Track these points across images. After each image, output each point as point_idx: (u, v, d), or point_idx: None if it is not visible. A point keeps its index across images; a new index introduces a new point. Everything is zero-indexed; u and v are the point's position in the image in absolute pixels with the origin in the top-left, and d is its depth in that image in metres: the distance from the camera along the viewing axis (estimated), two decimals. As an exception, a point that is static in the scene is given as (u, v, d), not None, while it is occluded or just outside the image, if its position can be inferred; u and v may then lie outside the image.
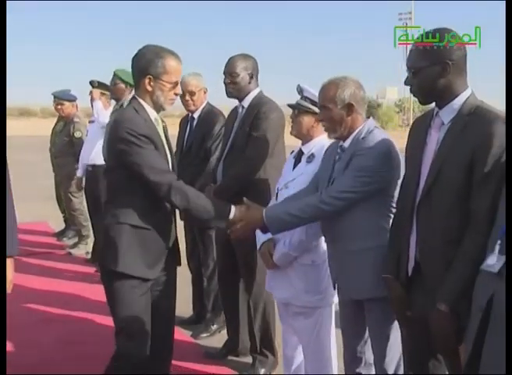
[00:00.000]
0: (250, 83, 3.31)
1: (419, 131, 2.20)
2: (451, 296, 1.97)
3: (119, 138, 2.38)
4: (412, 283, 2.20)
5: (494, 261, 1.77)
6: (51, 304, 4.43)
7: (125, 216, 2.42)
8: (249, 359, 3.46)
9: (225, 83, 3.32)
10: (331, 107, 2.43)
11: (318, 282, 2.72)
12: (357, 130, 2.46)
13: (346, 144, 2.48)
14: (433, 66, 2.04)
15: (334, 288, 2.64)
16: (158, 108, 2.50)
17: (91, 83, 5.39)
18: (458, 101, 2.05)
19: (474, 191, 1.96)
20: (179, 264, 2.71)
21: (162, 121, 2.59)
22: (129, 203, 2.43)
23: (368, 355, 2.60)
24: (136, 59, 2.47)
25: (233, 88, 3.31)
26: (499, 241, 1.76)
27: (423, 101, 2.17)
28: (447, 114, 2.07)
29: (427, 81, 2.06)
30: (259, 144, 3.20)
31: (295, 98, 2.86)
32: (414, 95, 2.16)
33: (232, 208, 2.48)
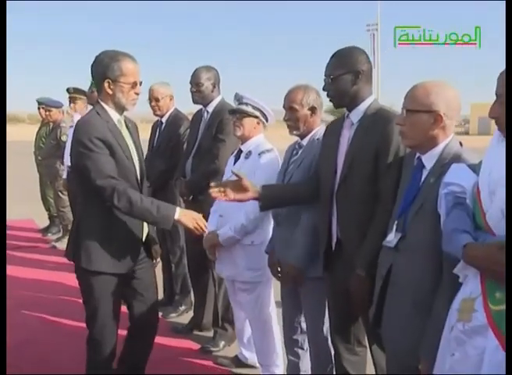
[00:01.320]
0: (213, 91, 3.80)
1: (333, 132, 2.63)
2: (366, 262, 2.34)
3: (77, 141, 2.48)
4: (336, 260, 2.58)
5: (392, 238, 2.17)
6: (36, 290, 4.89)
7: (94, 214, 2.52)
8: (211, 334, 3.89)
9: (191, 91, 3.82)
10: (298, 108, 2.80)
11: (258, 260, 3.11)
12: (314, 131, 2.86)
13: (304, 142, 2.89)
14: (348, 73, 2.46)
15: (270, 266, 3.01)
16: (121, 109, 2.59)
17: (68, 90, 5.83)
18: (364, 105, 2.49)
19: (381, 177, 2.37)
20: (156, 256, 2.84)
21: (130, 122, 2.72)
22: (97, 201, 2.49)
23: (304, 324, 3.00)
24: (95, 65, 2.56)
25: (198, 96, 3.80)
26: (396, 222, 2.16)
27: (337, 105, 2.56)
28: (356, 116, 2.50)
29: (342, 87, 2.47)
30: (224, 144, 3.67)
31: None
32: (330, 99, 2.56)
33: (177, 210, 2.54)
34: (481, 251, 1.70)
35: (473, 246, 1.73)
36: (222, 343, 3.79)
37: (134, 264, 2.62)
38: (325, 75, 2.52)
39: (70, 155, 2.63)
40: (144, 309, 2.74)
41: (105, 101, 2.56)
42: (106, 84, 2.52)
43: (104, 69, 2.51)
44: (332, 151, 2.57)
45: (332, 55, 2.53)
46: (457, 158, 2.05)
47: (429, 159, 2.12)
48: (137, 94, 2.61)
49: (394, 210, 2.23)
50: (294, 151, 2.94)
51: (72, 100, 5.78)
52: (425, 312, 1.98)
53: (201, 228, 2.57)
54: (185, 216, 2.55)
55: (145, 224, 2.68)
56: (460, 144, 2.16)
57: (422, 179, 2.12)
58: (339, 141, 2.56)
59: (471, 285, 1.79)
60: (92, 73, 2.59)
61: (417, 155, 2.17)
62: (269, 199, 2.68)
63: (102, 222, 2.52)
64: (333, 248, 2.59)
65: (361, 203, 2.43)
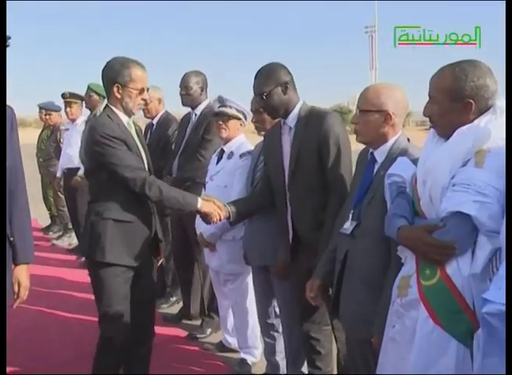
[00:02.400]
0: (201, 95, 4.05)
1: (272, 138, 2.91)
2: (325, 248, 2.56)
3: (95, 142, 2.58)
4: (297, 248, 2.81)
5: (348, 225, 2.38)
6: (36, 284, 5.12)
7: (108, 212, 2.62)
8: (199, 322, 4.14)
9: (180, 94, 4.07)
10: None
11: (239, 254, 3.32)
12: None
13: None
14: (277, 87, 2.71)
15: (245, 258, 3.26)
16: (129, 113, 2.70)
17: (63, 95, 6.07)
18: (296, 110, 2.75)
19: (328, 168, 2.63)
20: (159, 255, 2.93)
21: (135, 124, 2.84)
22: (110, 200, 2.62)
23: (277, 309, 3.23)
24: (106, 70, 2.68)
25: (187, 99, 4.06)
26: (352, 211, 2.38)
27: (274, 116, 2.85)
28: (291, 121, 2.76)
29: (276, 100, 2.72)
30: (211, 144, 3.92)
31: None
32: (267, 113, 2.84)
33: (199, 199, 2.77)
34: (410, 233, 1.93)
35: (405, 229, 1.96)
36: (209, 330, 4.04)
37: (144, 259, 2.73)
38: (257, 94, 2.76)
39: (86, 157, 2.74)
40: (143, 308, 2.80)
41: (114, 104, 2.68)
42: (115, 89, 2.63)
43: (114, 74, 2.63)
44: (276, 154, 2.84)
45: (256, 76, 2.77)
46: (405, 153, 2.28)
47: (380, 154, 2.35)
48: (144, 99, 2.74)
49: (349, 201, 2.45)
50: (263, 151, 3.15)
51: (67, 104, 6.03)
52: (377, 291, 2.18)
53: (220, 215, 2.78)
54: (206, 204, 2.76)
55: (153, 222, 2.79)
56: (408, 140, 2.39)
57: (374, 172, 2.35)
58: (282, 145, 2.82)
59: (408, 264, 2.02)
60: (102, 78, 2.70)
61: (370, 150, 2.41)
62: (238, 214, 2.91)
63: (118, 218, 2.62)
64: (293, 237, 2.83)
65: (311, 193, 2.69)
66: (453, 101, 1.90)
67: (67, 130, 6.36)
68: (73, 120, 6.17)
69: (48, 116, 7.03)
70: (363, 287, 2.28)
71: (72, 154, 5.91)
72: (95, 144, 2.58)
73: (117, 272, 2.63)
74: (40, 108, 7.06)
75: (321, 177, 2.66)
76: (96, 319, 2.78)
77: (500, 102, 1.90)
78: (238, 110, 3.43)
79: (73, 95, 6.04)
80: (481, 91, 1.88)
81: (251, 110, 3.14)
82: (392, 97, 2.32)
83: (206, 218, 2.80)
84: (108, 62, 2.68)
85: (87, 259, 2.76)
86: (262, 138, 3.18)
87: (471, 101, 1.88)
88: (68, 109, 6.03)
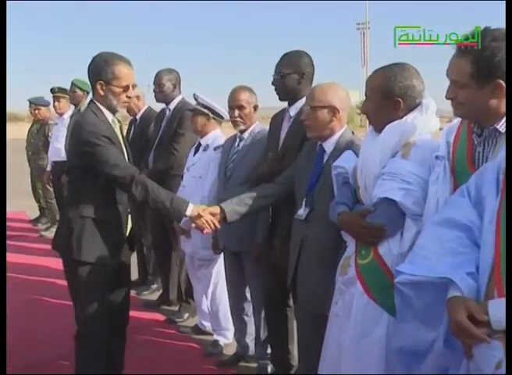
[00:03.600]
0: (173, 91, 4.25)
1: (276, 123, 3.09)
2: (283, 234, 2.77)
3: (83, 141, 2.51)
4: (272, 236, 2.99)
5: (302, 212, 2.58)
6: (23, 273, 5.36)
7: (87, 210, 2.57)
8: (177, 308, 4.35)
9: (154, 91, 4.28)
10: (246, 106, 3.22)
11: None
12: (253, 126, 3.28)
13: (245, 135, 3.30)
14: (294, 73, 2.89)
15: (214, 246, 3.46)
16: (113, 110, 2.65)
17: (52, 90, 6.29)
18: (301, 102, 2.89)
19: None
20: (134, 250, 2.97)
21: (119, 122, 2.78)
22: (90, 199, 2.58)
23: (248, 294, 3.42)
24: (90, 66, 2.62)
25: (160, 95, 4.26)
26: (305, 198, 2.57)
27: (281, 98, 2.98)
28: (294, 110, 2.95)
29: (289, 84, 2.90)
30: (183, 138, 4.12)
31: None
32: (277, 93, 2.97)
33: (190, 205, 2.63)
34: (347, 218, 2.16)
35: (343, 214, 2.19)
36: (186, 315, 4.25)
37: (121, 258, 2.72)
38: (275, 72, 2.93)
39: (71, 155, 2.70)
40: (119, 301, 2.80)
41: (99, 101, 2.63)
42: (99, 86, 2.58)
43: (97, 70, 2.57)
44: (276, 137, 3.03)
45: (283, 56, 2.95)
46: (351, 144, 2.51)
47: (329, 145, 2.57)
48: (129, 97, 2.67)
49: (300, 189, 2.63)
50: (235, 144, 3.36)
51: (56, 99, 6.22)
52: (330, 270, 2.35)
53: (211, 226, 2.63)
54: (197, 216, 2.60)
55: (129, 219, 2.80)
56: (353, 132, 2.61)
57: (324, 162, 2.57)
58: (281, 130, 3.02)
59: (350, 246, 2.24)
60: (88, 74, 2.65)
61: (319, 142, 2.62)
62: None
63: (97, 217, 2.58)
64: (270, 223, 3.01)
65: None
66: (384, 99, 2.12)
67: (56, 124, 6.56)
68: (61, 114, 6.37)
69: (37, 111, 7.21)
70: (318, 266, 2.49)
71: (59, 147, 6.12)
72: (84, 143, 2.52)
73: (94, 271, 2.58)
74: (30, 102, 7.24)
75: None
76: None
77: (426, 100, 2.13)
78: (205, 107, 3.65)
79: (62, 90, 6.22)
80: (408, 90, 2.10)
81: (229, 105, 3.30)
82: (337, 94, 2.54)
83: (199, 228, 2.67)
84: (93, 58, 2.63)
85: (63, 257, 2.69)
86: (235, 132, 3.38)
87: (400, 99, 2.10)
88: (56, 104, 6.22)
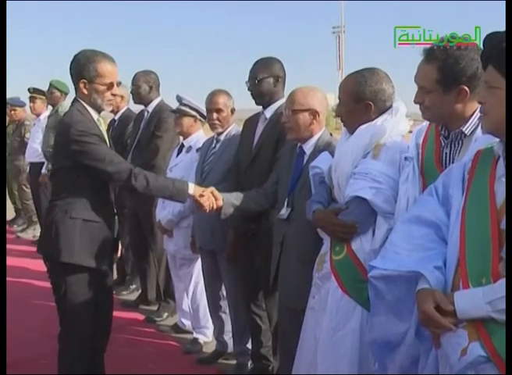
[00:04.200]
0: (149, 93, 4.28)
1: (251, 124, 3.17)
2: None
3: (73, 140, 2.46)
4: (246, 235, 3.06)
5: (284, 211, 2.65)
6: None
7: (76, 211, 2.51)
8: (156, 307, 4.40)
9: (131, 93, 4.33)
10: (224, 109, 3.30)
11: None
12: (229, 128, 3.36)
13: (221, 137, 3.38)
14: (270, 77, 3.00)
15: (192, 245, 3.56)
16: (98, 109, 2.60)
17: (29, 90, 6.27)
18: (277, 105, 3.01)
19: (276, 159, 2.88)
20: (117, 254, 2.93)
21: (104, 121, 2.77)
22: (79, 199, 2.52)
23: (225, 292, 3.50)
24: (72, 65, 2.57)
25: (137, 97, 4.30)
26: (286, 199, 2.65)
27: (258, 102, 3.08)
28: (269, 112, 3.04)
29: (265, 88, 3.00)
30: (161, 140, 4.17)
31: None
32: (253, 97, 3.06)
33: (190, 184, 2.69)
34: (321, 215, 2.25)
35: (318, 212, 2.28)
36: (166, 314, 4.31)
37: (107, 260, 2.69)
38: (251, 78, 3.02)
39: (57, 155, 2.63)
40: (104, 302, 2.76)
41: (83, 99, 2.58)
42: (82, 85, 2.54)
43: (80, 69, 2.53)
44: (250, 137, 3.11)
45: (256, 62, 3.05)
46: (329, 146, 2.60)
47: (308, 147, 2.66)
48: (114, 95, 2.64)
49: (282, 189, 2.72)
50: (212, 145, 3.45)
51: (31, 99, 6.20)
52: (309, 267, 2.41)
53: (212, 207, 2.65)
54: (199, 190, 2.66)
55: (116, 222, 2.76)
56: (331, 134, 2.71)
57: (304, 163, 2.65)
58: (256, 131, 3.10)
59: (325, 243, 2.34)
60: (70, 72, 2.60)
61: (299, 144, 2.71)
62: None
63: (87, 218, 2.54)
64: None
65: (265, 177, 2.90)
66: (356, 102, 2.23)
67: (33, 124, 6.53)
68: (38, 115, 6.35)
69: (13, 112, 7.17)
70: (298, 263, 2.56)
71: (37, 148, 6.09)
72: (72, 142, 2.47)
73: (82, 274, 2.54)
74: (6, 103, 7.19)
75: (272, 162, 2.90)
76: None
77: (396, 104, 2.23)
78: (192, 108, 3.71)
79: (37, 91, 6.21)
80: (378, 94, 2.21)
81: (206, 108, 3.38)
82: (317, 97, 2.64)
83: (200, 205, 2.68)
84: (74, 56, 2.58)
85: (49, 260, 2.63)
86: (213, 134, 3.46)
87: (371, 102, 2.21)
88: (31, 104, 6.20)
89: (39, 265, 5.31)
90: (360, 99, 2.22)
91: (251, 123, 3.20)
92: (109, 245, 2.68)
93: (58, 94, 5.66)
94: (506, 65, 1.52)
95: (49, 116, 5.77)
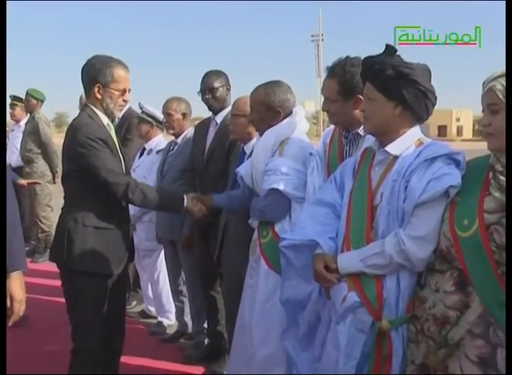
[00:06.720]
0: None
1: (202, 129, 3.56)
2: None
3: (78, 142, 2.47)
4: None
5: None
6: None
7: (88, 218, 2.50)
8: (126, 296, 4.80)
9: None
10: (173, 114, 3.69)
11: (154, 233, 4.02)
12: (186, 132, 3.76)
13: (178, 140, 3.79)
14: (223, 87, 3.41)
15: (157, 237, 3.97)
16: (109, 114, 2.61)
17: (10, 97, 6.56)
18: (226, 111, 3.41)
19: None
20: (132, 260, 2.90)
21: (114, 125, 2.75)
22: (91, 206, 2.51)
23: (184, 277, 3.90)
24: (86, 69, 2.57)
25: None
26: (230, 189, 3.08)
27: (211, 109, 3.47)
28: (220, 118, 3.44)
29: (221, 96, 3.40)
30: (131, 143, 4.57)
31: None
32: (208, 105, 3.44)
33: (185, 197, 2.76)
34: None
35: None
36: (134, 302, 4.72)
37: (122, 267, 2.68)
38: (206, 88, 3.40)
39: (66, 159, 2.59)
40: (118, 310, 2.76)
41: (94, 104, 2.58)
42: (96, 89, 2.54)
43: (95, 73, 2.53)
44: (202, 141, 3.51)
45: (207, 74, 3.44)
46: None
47: (248, 148, 3.07)
48: (126, 101, 2.65)
49: (228, 183, 3.15)
50: (171, 147, 3.89)
51: (12, 106, 6.56)
52: (248, 251, 2.77)
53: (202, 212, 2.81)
54: (191, 201, 2.77)
55: (130, 228, 2.78)
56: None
57: (243, 161, 3.02)
58: (208, 135, 3.50)
59: (256, 230, 2.74)
60: (82, 76, 2.60)
61: (242, 145, 3.14)
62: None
63: (100, 226, 2.53)
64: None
65: (218, 179, 3.29)
66: (267, 110, 2.67)
67: (12, 130, 6.88)
68: (18, 121, 6.71)
69: None
70: (238, 248, 2.92)
71: (16, 153, 6.43)
72: (78, 144, 2.48)
73: (96, 281, 2.53)
74: (6, 103, 7.50)
75: (227, 167, 3.27)
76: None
77: (295, 109, 2.69)
78: (149, 115, 4.16)
79: (17, 98, 6.57)
80: (285, 102, 2.68)
81: (162, 112, 3.82)
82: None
83: (191, 215, 2.84)
84: (89, 60, 2.58)
85: (62, 268, 2.59)
86: (172, 138, 3.89)
87: (280, 109, 2.66)
88: (11, 111, 6.55)
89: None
90: (271, 107, 2.65)
91: (202, 127, 3.60)
92: (123, 251, 2.67)
93: (34, 101, 6.02)
94: (506, 64, 1.61)
95: (26, 123, 6.14)
